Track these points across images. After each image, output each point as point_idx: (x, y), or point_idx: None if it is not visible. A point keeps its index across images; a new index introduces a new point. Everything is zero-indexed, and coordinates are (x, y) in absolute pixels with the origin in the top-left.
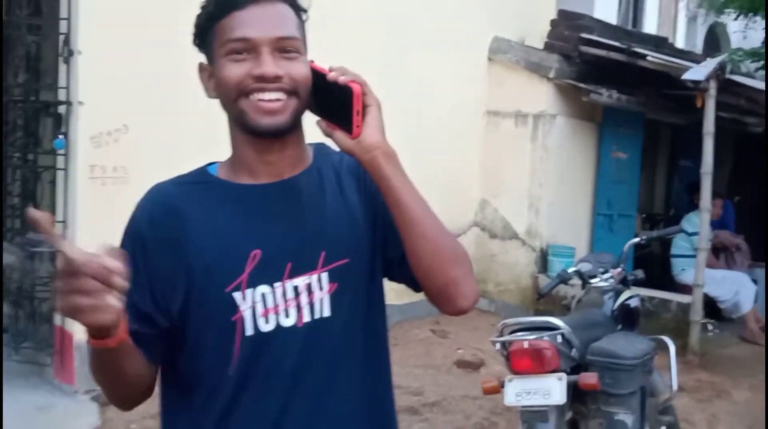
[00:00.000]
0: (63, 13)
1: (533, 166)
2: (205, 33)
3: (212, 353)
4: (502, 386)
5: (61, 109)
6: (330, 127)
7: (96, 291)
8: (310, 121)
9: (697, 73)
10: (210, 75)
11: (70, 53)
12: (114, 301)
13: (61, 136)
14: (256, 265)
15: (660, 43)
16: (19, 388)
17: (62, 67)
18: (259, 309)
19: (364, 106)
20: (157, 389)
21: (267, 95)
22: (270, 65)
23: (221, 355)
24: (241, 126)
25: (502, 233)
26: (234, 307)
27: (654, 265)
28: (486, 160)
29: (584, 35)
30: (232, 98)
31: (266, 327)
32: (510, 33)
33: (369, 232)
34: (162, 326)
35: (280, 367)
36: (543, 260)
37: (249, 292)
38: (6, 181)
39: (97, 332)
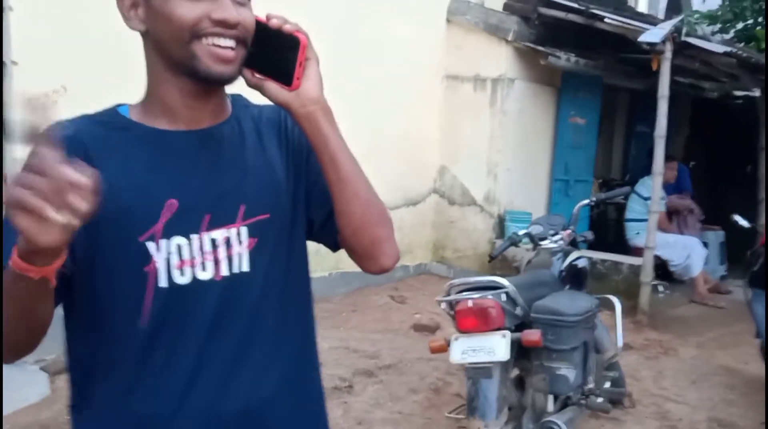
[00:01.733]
0: None
1: (492, 132)
2: None
3: (122, 305)
4: (449, 345)
5: None
6: (261, 79)
7: (52, 199)
8: None
9: (652, 35)
10: (134, 4)
11: (1, 11)
12: (61, 220)
13: None
14: (173, 215)
15: (620, 6)
16: None
17: None
18: (174, 260)
19: (306, 59)
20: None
21: (223, 41)
22: (232, 10)
23: (131, 306)
24: (183, 69)
25: (460, 200)
26: (147, 257)
27: (609, 230)
28: (445, 125)
29: None
30: (182, 39)
31: (181, 279)
32: None
33: (291, 189)
34: (64, 270)
35: (196, 320)
36: (501, 226)
37: (163, 242)
38: None
39: (32, 256)
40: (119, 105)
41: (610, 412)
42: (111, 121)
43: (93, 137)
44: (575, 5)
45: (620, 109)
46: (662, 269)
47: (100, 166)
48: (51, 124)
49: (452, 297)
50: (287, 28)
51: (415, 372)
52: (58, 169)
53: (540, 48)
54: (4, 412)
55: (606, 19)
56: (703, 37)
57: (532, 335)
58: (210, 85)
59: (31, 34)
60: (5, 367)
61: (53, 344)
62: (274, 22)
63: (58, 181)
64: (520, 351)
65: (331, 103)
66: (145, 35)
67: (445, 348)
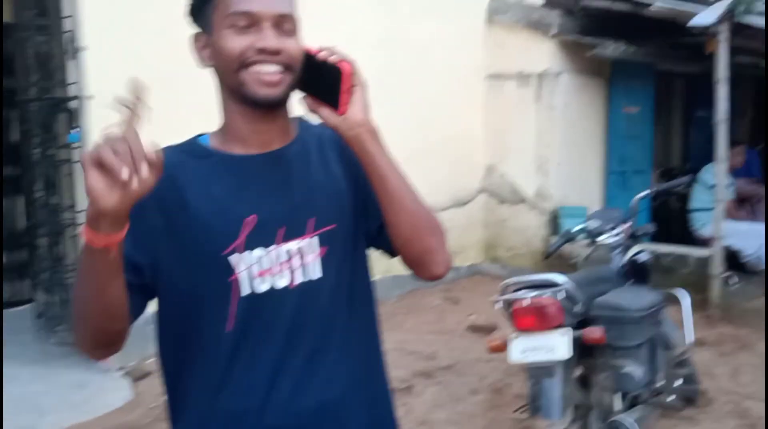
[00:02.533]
0: (67, 11)
1: (539, 127)
2: (203, 3)
3: (210, 313)
4: (508, 344)
5: (73, 104)
6: (316, 104)
7: (128, 163)
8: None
9: (705, 17)
10: (205, 45)
11: (76, 50)
12: (127, 179)
13: (74, 130)
14: (252, 229)
15: None
16: (56, 368)
17: (70, 64)
18: (255, 270)
19: (351, 86)
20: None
21: (266, 68)
22: (272, 39)
23: (218, 314)
24: (238, 96)
25: (510, 198)
26: (230, 269)
27: (673, 222)
28: (490, 124)
29: None
30: (232, 68)
31: (261, 288)
32: None
33: (351, 202)
34: (146, 280)
35: (275, 325)
36: (554, 223)
37: (245, 254)
38: (32, 176)
39: (96, 222)
40: (200, 135)
41: (682, 410)
42: (193, 149)
43: (178, 165)
44: None
45: (677, 95)
46: (733, 260)
47: (186, 191)
48: (140, 111)
49: (508, 296)
50: (332, 59)
51: (474, 373)
52: (138, 143)
53: (585, 39)
54: (91, 417)
55: (653, 6)
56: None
57: (594, 333)
58: (260, 107)
59: (104, 70)
60: (90, 374)
61: (134, 351)
62: (320, 54)
63: (135, 151)
64: (584, 349)
65: (378, 108)
66: (214, 71)
67: (504, 348)
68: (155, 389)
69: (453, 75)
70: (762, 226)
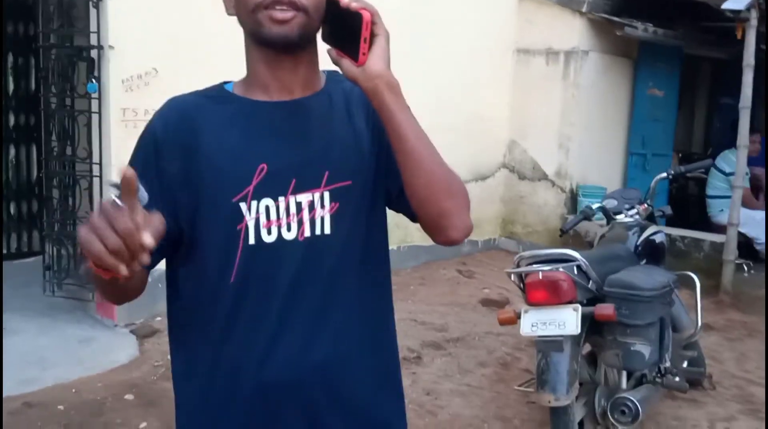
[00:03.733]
0: None
1: (564, 105)
2: None
3: (216, 261)
4: (519, 317)
5: (93, 53)
6: (339, 55)
7: (118, 251)
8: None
9: (736, 1)
10: None
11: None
12: (124, 271)
13: (93, 80)
14: (262, 178)
15: None
16: (63, 322)
17: (93, 12)
18: (263, 220)
19: (373, 35)
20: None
21: (279, 8)
22: None
23: (224, 262)
24: (256, 39)
25: (531, 175)
26: (239, 216)
27: (690, 207)
28: (515, 100)
29: None
30: (249, 10)
31: (268, 238)
32: None
33: (373, 161)
34: (169, 229)
35: (279, 277)
36: (573, 201)
37: (254, 203)
38: (48, 126)
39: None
40: (226, 82)
41: (687, 391)
42: (216, 95)
43: (199, 109)
44: None
45: (702, 81)
46: (747, 247)
47: (203, 135)
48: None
49: (522, 269)
50: (354, 5)
51: (484, 346)
52: (133, 235)
53: (615, 19)
54: (96, 372)
55: None
56: None
57: (606, 309)
58: (276, 48)
59: (126, 21)
60: (97, 330)
61: (143, 309)
62: (343, 2)
63: (130, 244)
64: (593, 326)
65: (402, 79)
66: (237, 19)
67: (514, 320)
68: (162, 347)
69: (481, 48)
70: None
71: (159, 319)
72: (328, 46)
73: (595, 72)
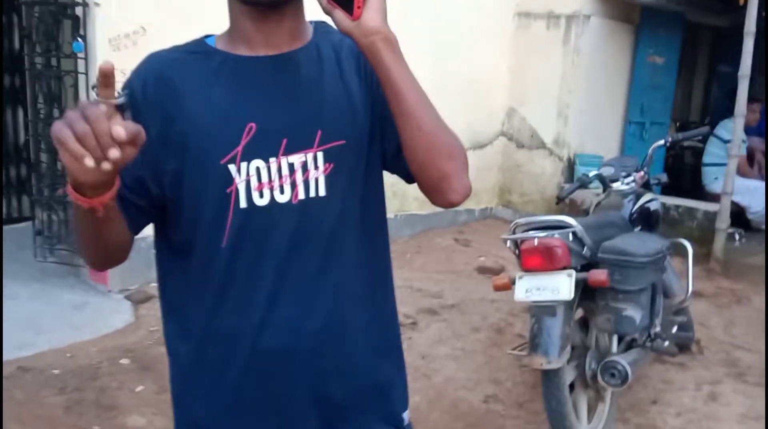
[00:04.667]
0: None
1: (564, 72)
2: None
3: (207, 225)
4: (513, 283)
5: (78, 11)
6: (330, 5)
7: (90, 146)
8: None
9: None
10: None
11: None
12: (92, 165)
13: (79, 39)
14: (251, 138)
15: None
16: (56, 287)
17: None
18: (254, 182)
19: None
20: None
21: None
22: None
23: (215, 226)
24: None
25: (529, 143)
26: (229, 179)
27: (685, 176)
28: (514, 65)
29: None
30: None
31: (260, 201)
32: None
33: (367, 118)
34: (153, 194)
35: (274, 241)
36: (570, 170)
37: (243, 165)
38: (33, 87)
39: (78, 188)
40: (207, 36)
41: (676, 355)
42: (198, 50)
43: (181, 66)
44: None
45: (702, 48)
46: (739, 217)
47: (184, 94)
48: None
49: (518, 235)
50: None
51: (478, 312)
52: (101, 121)
53: None
54: (90, 337)
55: None
56: None
57: (599, 275)
58: (257, 5)
59: None
60: (90, 295)
61: (137, 275)
62: None
63: (100, 135)
64: (586, 292)
65: (402, 43)
66: None
67: (509, 286)
68: (156, 313)
69: (481, 11)
70: None
71: (153, 285)
72: None
73: (597, 37)
